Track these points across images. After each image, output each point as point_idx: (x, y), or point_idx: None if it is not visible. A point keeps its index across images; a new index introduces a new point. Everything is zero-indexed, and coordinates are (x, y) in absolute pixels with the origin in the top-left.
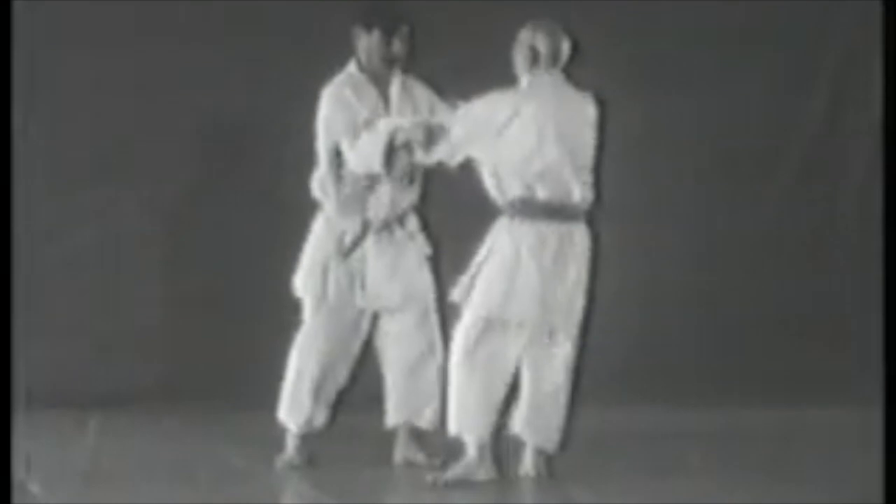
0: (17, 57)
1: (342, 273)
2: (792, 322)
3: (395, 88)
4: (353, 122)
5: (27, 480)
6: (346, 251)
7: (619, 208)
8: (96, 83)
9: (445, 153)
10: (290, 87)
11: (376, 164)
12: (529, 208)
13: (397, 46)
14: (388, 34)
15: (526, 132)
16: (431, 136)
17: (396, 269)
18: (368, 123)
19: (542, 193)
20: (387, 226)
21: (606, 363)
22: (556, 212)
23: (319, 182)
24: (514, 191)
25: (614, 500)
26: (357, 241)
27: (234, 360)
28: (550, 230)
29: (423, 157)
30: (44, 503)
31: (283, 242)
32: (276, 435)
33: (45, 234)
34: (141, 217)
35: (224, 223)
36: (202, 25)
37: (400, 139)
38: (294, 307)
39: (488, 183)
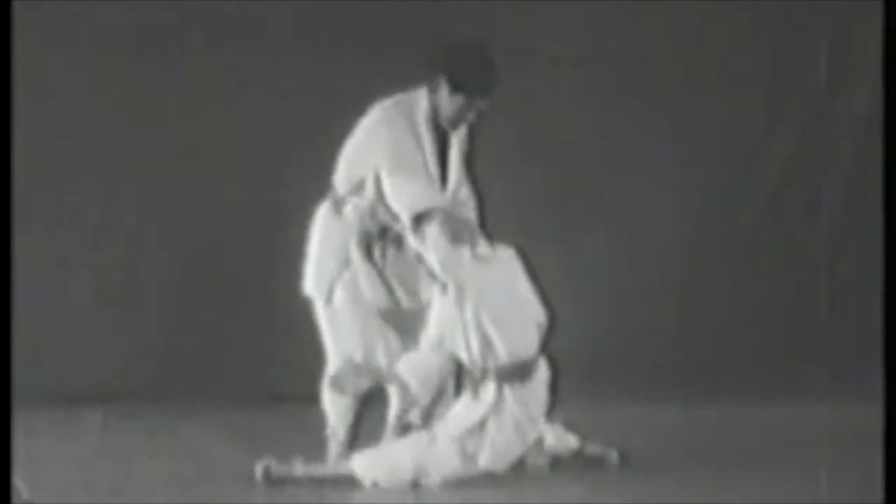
0: (18, 57)
1: (365, 272)
2: (792, 320)
3: (455, 141)
4: (403, 152)
5: (24, 481)
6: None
7: (617, 203)
8: (97, 82)
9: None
10: (297, 91)
11: (407, 214)
12: (518, 370)
13: (476, 112)
14: (472, 101)
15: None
16: (457, 235)
17: (407, 274)
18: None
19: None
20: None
21: (604, 362)
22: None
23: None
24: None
25: (608, 498)
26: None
27: (235, 358)
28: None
29: (416, 239)
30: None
31: (284, 239)
32: (274, 433)
33: (46, 231)
34: (141, 216)
35: (222, 221)
36: (201, 24)
37: (432, 217)
38: (296, 304)
39: (479, 348)
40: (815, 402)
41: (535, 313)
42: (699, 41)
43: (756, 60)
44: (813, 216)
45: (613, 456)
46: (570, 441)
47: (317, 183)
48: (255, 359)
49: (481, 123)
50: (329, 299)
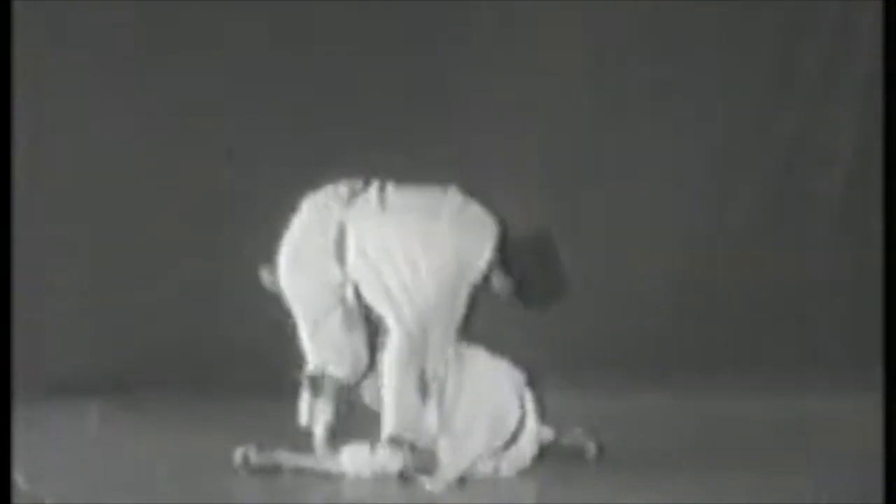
0: (18, 57)
1: (357, 309)
2: (791, 319)
3: None
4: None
5: (23, 473)
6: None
7: (611, 200)
8: (97, 82)
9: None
10: (295, 90)
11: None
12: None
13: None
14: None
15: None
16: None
17: None
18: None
19: None
20: None
21: (606, 355)
22: None
23: None
24: None
25: (600, 497)
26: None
27: (235, 349)
28: None
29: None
30: (39, 501)
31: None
32: (277, 424)
33: (46, 227)
34: (139, 214)
35: (221, 219)
36: (200, 25)
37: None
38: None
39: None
40: (814, 400)
41: (512, 381)
42: (697, 40)
43: (755, 59)
44: (813, 216)
45: (591, 447)
46: (545, 433)
47: (305, 184)
48: (255, 350)
49: None
50: (321, 322)
